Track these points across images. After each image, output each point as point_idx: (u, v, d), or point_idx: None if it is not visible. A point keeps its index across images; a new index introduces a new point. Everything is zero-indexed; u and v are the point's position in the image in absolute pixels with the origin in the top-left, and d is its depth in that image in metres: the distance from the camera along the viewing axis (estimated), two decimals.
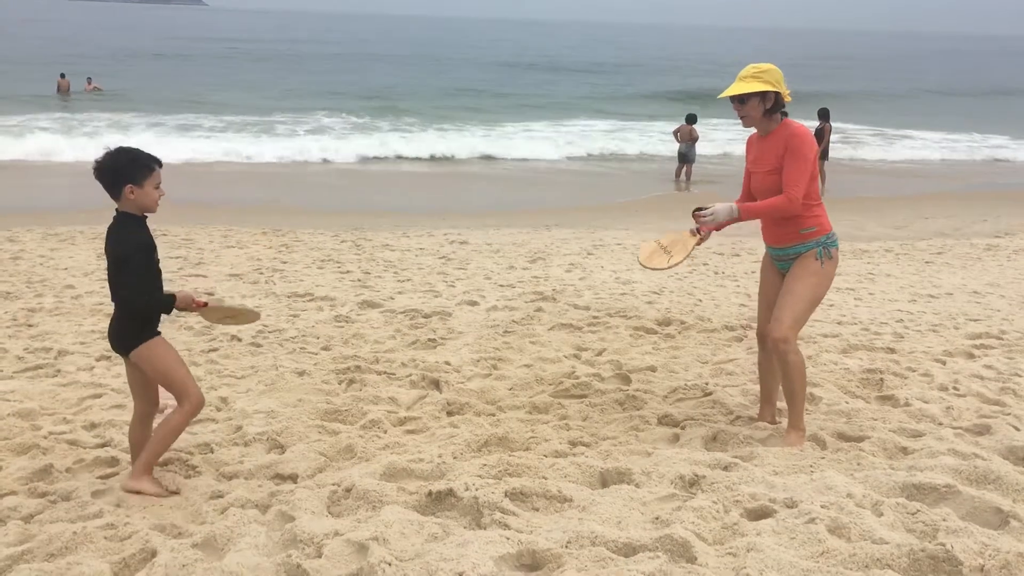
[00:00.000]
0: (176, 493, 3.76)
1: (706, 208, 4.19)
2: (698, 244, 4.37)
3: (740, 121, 4.22)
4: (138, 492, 3.72)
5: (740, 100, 4.09)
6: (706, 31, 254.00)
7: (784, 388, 4.31)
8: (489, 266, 9.54)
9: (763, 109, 4.10)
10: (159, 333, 3.77)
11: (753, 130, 4.31)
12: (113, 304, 3.74)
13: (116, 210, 3.65)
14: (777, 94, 4.08)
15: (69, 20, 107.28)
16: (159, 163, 3.65)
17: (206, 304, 3.86)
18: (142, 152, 3.63)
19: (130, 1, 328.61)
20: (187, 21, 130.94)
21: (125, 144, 3.76)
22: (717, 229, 4.36)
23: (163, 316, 3.78)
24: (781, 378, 4.33)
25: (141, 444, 3.90)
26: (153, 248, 3.66)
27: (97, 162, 3.57)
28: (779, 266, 4.35)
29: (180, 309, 3.76)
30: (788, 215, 4.11)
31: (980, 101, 45.35)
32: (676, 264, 4.27)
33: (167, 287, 3.82)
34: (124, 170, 3.54)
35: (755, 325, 6.85)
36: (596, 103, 36.74)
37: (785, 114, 4.21)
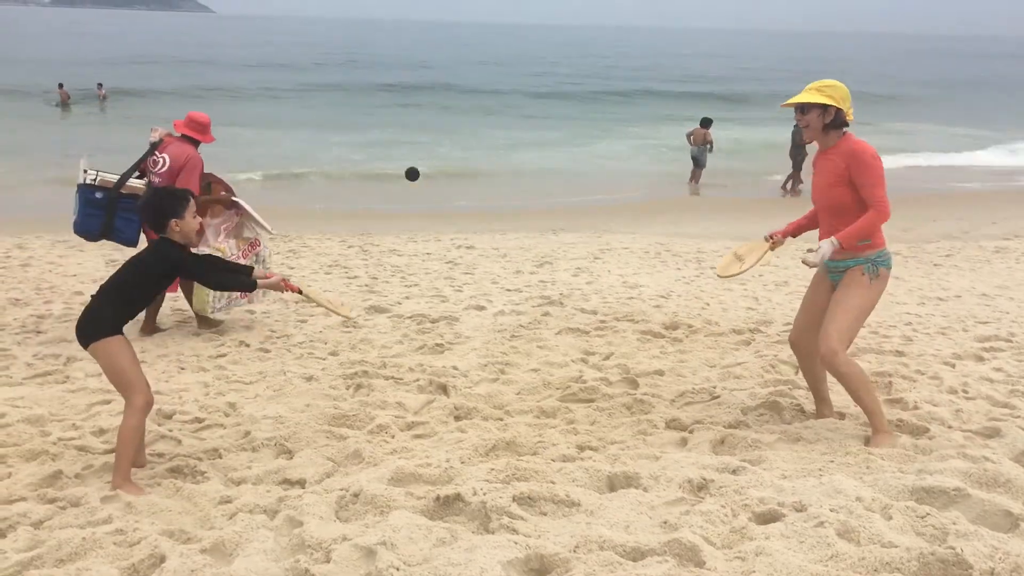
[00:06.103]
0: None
1: (810, 252, 4.16)
2: (771, 249, 4.57)
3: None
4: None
5: (802, 110, 4.25)
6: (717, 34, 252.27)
7: (852, 398, 4.34)
8: (496, 271, 9.54)
9: (822, 123, 4.22)
10: (121, 333, 3.93)
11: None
12: (92, 296, 3.95)
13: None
14: (839, 111, 4.19)
15: (102, 32, 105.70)
16: (194, 195, 4.08)
17: (300, 290, 4.50)
18: (177, 188, 4.14)
19: (136, 8, 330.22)
20: (208, 30, 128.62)
21: None
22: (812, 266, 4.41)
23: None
24: (845, 389, 4.36)
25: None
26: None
27: (141, 203, 4.03)
28: (831, 278, 4.41)
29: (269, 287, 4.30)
30: (880, 226, 4.17)
31: None
32: (748, 268, 4.52)
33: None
34: (166, 206, 3.91)
35: (763, 329, 6.88)
36: None
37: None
